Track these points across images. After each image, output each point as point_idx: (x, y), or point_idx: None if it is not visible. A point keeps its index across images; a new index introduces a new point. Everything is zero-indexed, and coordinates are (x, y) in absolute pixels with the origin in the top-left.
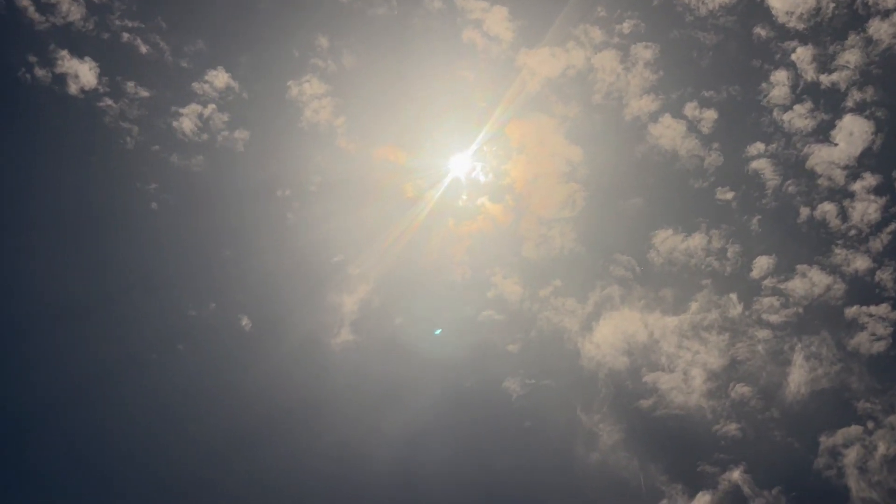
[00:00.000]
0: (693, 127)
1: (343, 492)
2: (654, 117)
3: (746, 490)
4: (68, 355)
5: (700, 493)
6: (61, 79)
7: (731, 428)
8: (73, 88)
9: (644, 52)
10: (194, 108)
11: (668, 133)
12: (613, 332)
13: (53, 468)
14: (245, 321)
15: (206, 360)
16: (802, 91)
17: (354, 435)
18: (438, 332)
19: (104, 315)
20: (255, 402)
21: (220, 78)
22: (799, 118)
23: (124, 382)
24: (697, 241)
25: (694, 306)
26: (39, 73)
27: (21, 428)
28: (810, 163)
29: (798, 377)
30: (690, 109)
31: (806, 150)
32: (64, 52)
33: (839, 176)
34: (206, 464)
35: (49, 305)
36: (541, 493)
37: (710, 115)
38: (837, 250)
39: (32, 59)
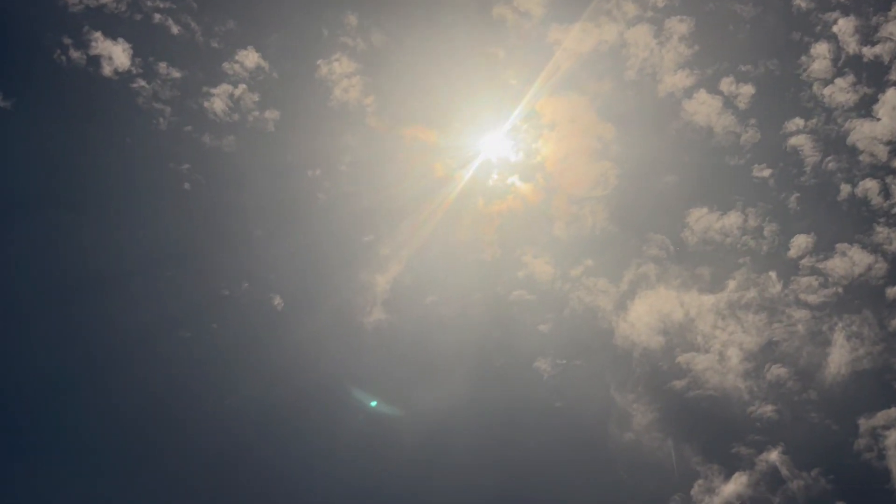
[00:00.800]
0: (729, 103)
1: (374, 470)
2: (688, 93)
3: (785, 471)
4: (103, 334)
5: (737, 474)
6: (95, 60)
7: (767, 410)
8: (107, 70)
9: (679, 26)
10: (225, 87)
11: (704, 109)
12: (647, 312)
13: (90, 442)
14: (277, 300)
15: (240, 339)
16: (844, 64)
17: (386, 413)
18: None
19: (138, 294)
20: (288, 381)
21: (250, 57)
22: (840, 92)
23: (159, 361)
24: (733, 219)
25: (731, 285)
26: (74, 54)
27: (58, 399)
28: (852, 138)
29: (838, 357)
30: (727, 85)
31: (847, 125)
32: (97, 34)
33: (882, 152)
34: (239, 441)
35: (82, 284)
36: (573, 473)
37: (748, 90)
38: (879, 228)
39: (67, 41)
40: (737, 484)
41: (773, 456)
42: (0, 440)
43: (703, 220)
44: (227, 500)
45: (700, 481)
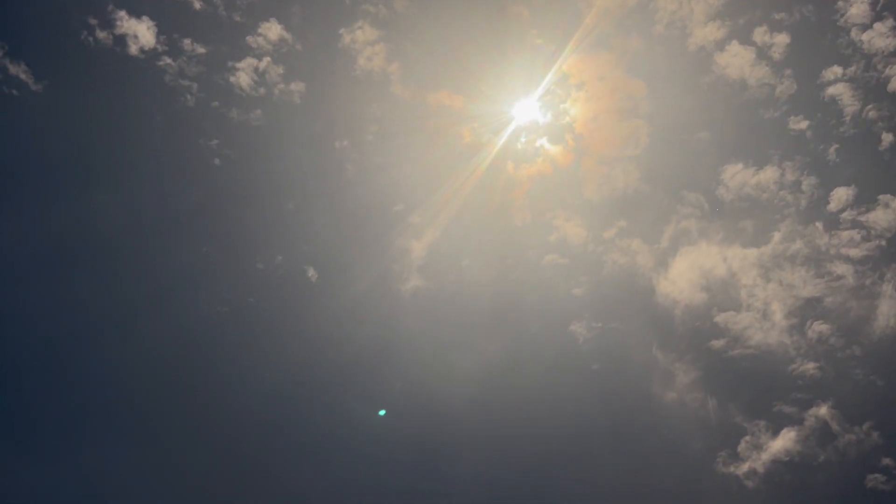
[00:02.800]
0: (763, 53)
1: (419, 434)
2: (720, 45)
3: (835, 426)
4: (142, 313)
5: (784, 430)
6: (121, 40)
7: (810, 367)
8: (133, 49)
9: None
10: (250, 61)
11: (736, 61)
12: (686, 270)
13: (132, 417)
14: (311, 272)
15: (277, 312)
16: (883, 7)
17: (428, 378)
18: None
19: (174, 272)
20: (326, 352)
21: (273, 30)
22: (879, 37)
23: (199, 337)
24: (770, 174)
25: (770, 242)
26: (101, 35)
27: (100, 377)
28: (893, 85)
29: (887, 310)
30: (760, 34)
31: (888, 71)
32: (122, 13)
33: None
34: (280, 415)
35: (116, 264)
36: (615, 435)
37: (782, 39)
38: None
39: (93, 21)
40: (785, 440)
41: (823, 411)
42: (36, 417)
43: (738, 177)
44: (266, 473)
45: (747, 437)
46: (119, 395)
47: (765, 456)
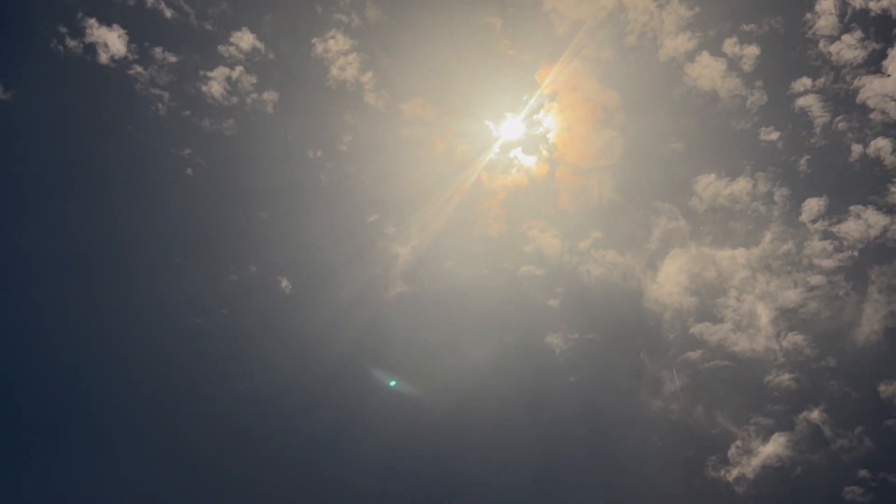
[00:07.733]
0: (733, 64)
1: (395, 446)
2: (691, 56)
3: (827, 431)
4: (113, 325)
5: (775, 435)
6: (92, 48)
7: (785, 378)
8: (103, 58)
9: None
10: (222, 70)
11: (707, 72)
12: (658, 283)
13: (105, 431)
14: (285, 283)
15: (251, 324)
16: (851, 20)
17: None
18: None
19: (146, 283)
20: (302, 364)
21: (245, 39)
22: (848, 49)
23: (171, 350)
24: (742, 185)
25: (739, 254)
26: (71, 43)
27: (71, 391)
28: (861, 96)
29: (862, 319)
30: (730, 46)
31: (856, 82)
32: (92, 21)
33: (893, 109)
34: (259, 425)
35: (88, 275)
36: (598, 445)
37: (752, 50)
38: (894, 189)
39: (63, 29)
40: (776, 444)
41: (815, 415)
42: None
43: (711, 187)
44: (241, 488)
45: (737, 443)
46: (88, 407)
47: (755, 461)
